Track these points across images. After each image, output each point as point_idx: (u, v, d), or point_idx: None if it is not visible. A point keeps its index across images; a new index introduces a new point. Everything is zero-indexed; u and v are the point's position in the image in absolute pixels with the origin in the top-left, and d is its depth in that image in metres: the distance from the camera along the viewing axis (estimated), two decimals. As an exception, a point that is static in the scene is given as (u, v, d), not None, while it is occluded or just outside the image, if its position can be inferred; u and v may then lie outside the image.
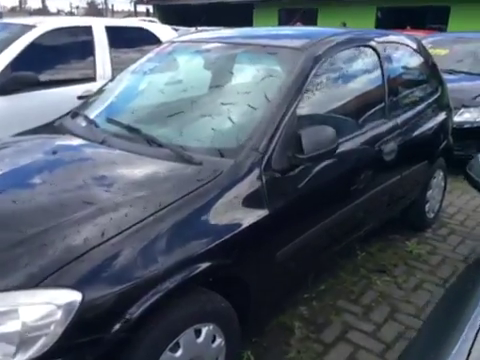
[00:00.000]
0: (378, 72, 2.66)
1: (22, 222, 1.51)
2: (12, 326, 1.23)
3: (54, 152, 1.98)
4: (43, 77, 3.56)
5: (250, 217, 1.71)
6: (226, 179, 1.71)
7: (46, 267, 1.32)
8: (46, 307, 1.25)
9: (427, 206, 3.32)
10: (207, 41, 2.61)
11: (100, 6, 39.39)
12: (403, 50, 3.10)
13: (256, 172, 1.77)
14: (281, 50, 2.26)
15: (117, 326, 1.33)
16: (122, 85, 2.63)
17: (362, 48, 2.59)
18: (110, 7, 32.74)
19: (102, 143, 2.03)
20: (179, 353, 1.52)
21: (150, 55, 2.75)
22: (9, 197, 1.68)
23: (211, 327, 1.63)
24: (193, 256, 1.51)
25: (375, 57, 2.65)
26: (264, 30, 2.92)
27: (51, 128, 2.41)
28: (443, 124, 3.29)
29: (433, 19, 13.66)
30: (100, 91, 2.68)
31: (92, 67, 3.89)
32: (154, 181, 1.71)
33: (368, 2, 14.27)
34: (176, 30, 6.06)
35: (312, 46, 2.24)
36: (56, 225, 1.46)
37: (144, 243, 1.43)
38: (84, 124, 2.31)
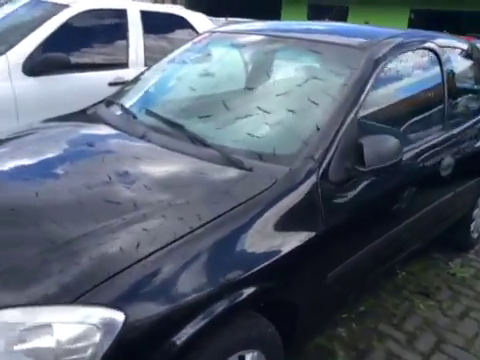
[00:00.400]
0: (438, 78, 2.43)
1: (53, 224, 1.34)
2: (46, 342, 1.07)
3: (90, 144, 1.80)
4: (74, 60, 3.39)
5: (304, 234, 1.52)
6: (280, 189, 1.51)
7: (83, 280, 1.15)
8: (84, 326, 1.08)
9: (472, 225, 3.10)
10: (252, 33, 2.39)
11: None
12: (461, 55, 2.87)
13: (312, 183, 1.57)
14: (339, 48, 2.05)
15: (162, 352, 1.16)
16: (161, 75, 2.44)
17: (423, 51, 2.37)
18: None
19: (142, 138, 1.85)
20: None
21: (190, 45, 2.56)
22: (38, 192, 1.51)
23: (255, 354, 1.45)
24: (244, 277, 1.32)
25: (436, 61, 2.43)
26: (315, 24, 2.71)
27: (85, 116, 2.24)
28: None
29: (469, 25, 13.22)
30: (136, 80, 2.50)
31: (125, 53, 3.71)
32: (200, 187, 1.52)
33: (401, 3, 13.87)
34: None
35: (373, 46, 2.03)
36: (92, 231, 1.29)
37: (188, 260, 1.25)
38: (121, 114, 2.13)
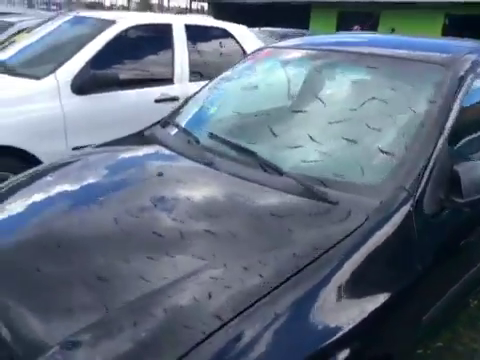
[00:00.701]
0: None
1: (121, 277, 1.22)
2: None
3: (160, 174, 1.68)
4: (121, 76, 3.33)
5: (401, 277, 1.37)
6: (372, 227, 1.36)
7: (166, 352, 1.01)
8: None
9: None
10: (314, 48, 2.26)
11: (153, 1, 39.52)
12: None
13: (407, 218, 1.42)
14: (419, 64, 1.89)
15: None
16: (219, 95, 2.34)
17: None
18: (166, 4, 32.86)
19: (209, 165, 1.73)
20: None
21: (247, 62, 2.45)
22: (100, 236, 1.41)
23: None
24: (336, 339, 1.14)
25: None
26: (377, 38, 2.56)
27: (143, 139, 2.15)
28: None
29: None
30: (193, 99, 2.40)
31: (170, 69, 3.64)
32: (279, 228, 1.37)
33: (436, 8, 13.51)
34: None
35: (456, 61, 1.87)
36: (166, 288, 1.15)
37: (269, 323, 1.08)
38: (181, 138, 2.02)
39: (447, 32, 13.34)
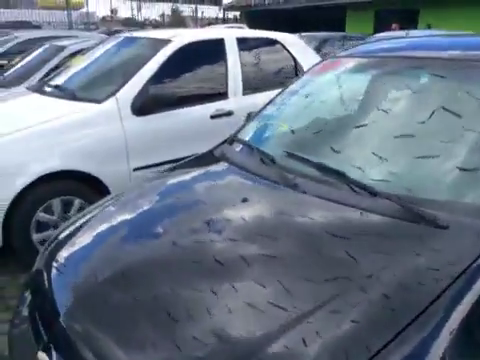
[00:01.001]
0: None
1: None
2: None
3: (244, 200, 1.62)
4: (178, 95, 3.34)
5: None
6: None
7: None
8: None
9: None
10: (393, 55, 2.12)
11: (184, 13, 39.95)
12: None
13: None
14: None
15: None
16: (289, 110, 2.26)
17: None
18: (199, 14, 33.24)
19: (293, 188, 1.65)
20: None
21: (315, 73, 2.35)
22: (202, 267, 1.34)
23: None
24: None
25: None
26: (456, 38, 2.40)
27: (215, 160, 2.09)
28: None
29: None
30: (260, 115, 2.32)
31: (224, 83, 3.60)
32: (385, 256, 1.26)
33: (477, 2, 12.95)
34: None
35: None
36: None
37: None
38: (255, 157, 1.93)
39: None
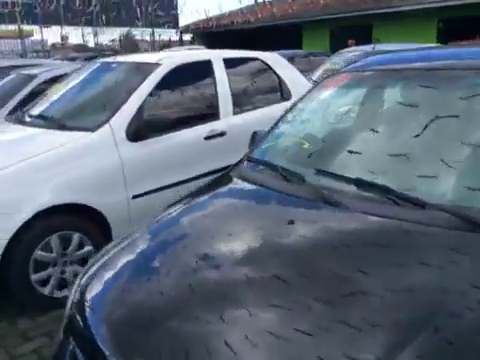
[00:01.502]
0: None
1: None
2: None
3: (290, 222, 1.55)
4: (171, 118, 3.26)
5: None
6: None
7: None
8: None
9: None
10: (401, 67, 2.09)
11: (137, 37, 39.65)
12: None
13: None
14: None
15: None
16: (306, 126, 2.23)
17: None
18: (157, 37, 33.09)
19: (336, 205, 1.60)
20: None
21: (324, 88, 2.35)
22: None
23: None
24: None
25: None
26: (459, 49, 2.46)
27: (236, 182, 2.01)
28: None
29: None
30: (272, 133, 2.27)
31: (215, 104, 3.56)
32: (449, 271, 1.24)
33: (428, 14, 13.68)
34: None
35: None
36: None
37: None
38: (280, 177, 1.88)
39: (442, 37, 13.47)
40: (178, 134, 3.27)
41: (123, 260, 1.65)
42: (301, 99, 2.41)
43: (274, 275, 1.32)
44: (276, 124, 2.35)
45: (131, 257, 1.65)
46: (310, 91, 2.42)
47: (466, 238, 1.35)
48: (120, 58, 4.11)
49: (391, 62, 2.22)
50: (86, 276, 1.63)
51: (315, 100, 2.31)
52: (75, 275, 2.82)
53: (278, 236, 1.52)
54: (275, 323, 1.18)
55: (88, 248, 2.86)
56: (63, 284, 2.81)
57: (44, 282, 2.74)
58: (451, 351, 1.01)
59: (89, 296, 1.51)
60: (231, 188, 2.01)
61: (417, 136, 1.70)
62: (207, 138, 3.42)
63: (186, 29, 23.70)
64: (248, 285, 1.32)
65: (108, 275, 1.59)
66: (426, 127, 1.70)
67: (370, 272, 1.27)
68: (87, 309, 1.46)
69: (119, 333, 1.32)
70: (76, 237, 2.80)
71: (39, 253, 2.66)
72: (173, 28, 31.17)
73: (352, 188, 1.66)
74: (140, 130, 3.03)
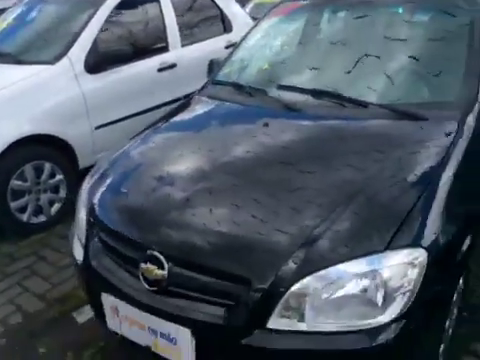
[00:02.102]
0: None
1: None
2: (374, 285, 1.27)
3: (265, 124, 1.90)
4: (125, 50, 3.38)
5: None
6: (465, 129, 1.72)
7: (388, 227, 1.34)
8: (404, 267, 1.29)
9: None
10: None
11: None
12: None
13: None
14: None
15: (449, 276, 1.40)
16: (261, 50, 2.55)
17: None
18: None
19: (295, 110, 1.97)
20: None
21: (273, 16, 2.65)
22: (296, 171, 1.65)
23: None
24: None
25: None
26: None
27: (208, 101, 2.31)
28: None
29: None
30: (231, 60, 2.56)
31: (164, 37, 3.71)
32: (397, 143, 1.70)
33: None
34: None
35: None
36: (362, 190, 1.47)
37: (447, 199, 1.46)
38: (244, 94, 2.19)
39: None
40: (133, 65, 3.42)
41: (117, 172, 1.93)
42: (254, 27, 2.71)
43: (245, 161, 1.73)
44: (234, 50, 2.64)
45: (124, 168, 1.93)
46: (261, 19, 2.72)
47: (396, 124, 1.80)
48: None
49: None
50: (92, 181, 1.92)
51: (267, 27, 2.63)
52: (50, 202, 3.03)
53: (252, 138, 1.88)
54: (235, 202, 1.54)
55: (59, 177, 3.04)
56: (38, 211, 3.00)
57: (22, 210, 2.91)
58: (360, 221, 1.40)
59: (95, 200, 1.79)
60: (204, 105, 2.31)
61: (357, 52, 2.10)
62: (160, 70, 3.61)
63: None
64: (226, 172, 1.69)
65: (104, 185, 1.87)
66: (363, 45, 2.12)
67: (316, 161, 1.69)
68: (96, 208, 1.76)
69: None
70: (48, 166, 2.96)
71: (15, 182, 2.81)
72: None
73: (309, 97, 2.04)
74: (98, 62, 3.15)
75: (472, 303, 2.10)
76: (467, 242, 1.50)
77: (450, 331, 1.72)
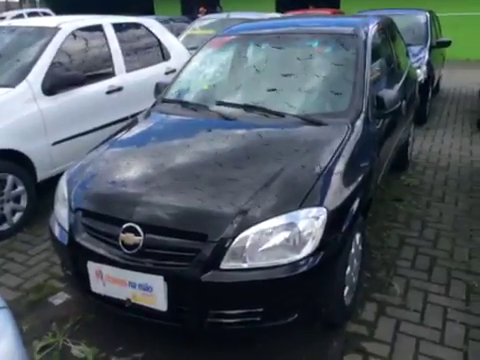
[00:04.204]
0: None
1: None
2: (292, 233, 1.86)
3: (209, 130, 2.49)
4: (77, 75, 3.79)
5: (370, 156, 2.47)
6: (352, 132, 2.40)
7: (300, 195, 1.94)
8: (311, 220, 1.88)
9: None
10: (258, 32, 3.21)
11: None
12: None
13: (364, 124, 2.49)
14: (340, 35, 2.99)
15: (343, 228, 2.01)
16: (201, 74, 3.14)
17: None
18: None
19: (233, 120, 2.56)
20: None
21: (208, 47, 3.26)
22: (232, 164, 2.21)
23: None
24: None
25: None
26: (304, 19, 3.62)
27: (158, 116, 2.83)
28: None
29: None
30: (175, 83, 3.10)
31: (110, 64, 4.19)
32: (306, 141, 2.33)
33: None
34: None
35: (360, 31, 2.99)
36: (281, 171, 2.07)
37: (340, 176, 2.10)
38: (189, 109, 2.77)
39: (280, 6, 15.26)
40: (85, 88, 3.85)
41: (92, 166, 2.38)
42: (193, 56, 3.30)
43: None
44: (178, 74, 3.20)
45: (98, 164, 2.39)
46: (198, 50, 3.32)
47: (305, 129, 2.45)
48: (15, 23, 4.38)
49: (253, 29, 3.28)
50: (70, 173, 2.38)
51: (203, 56, 3.24)
52: (12, 211, 3.34)
53: (201, 140, 2.45)
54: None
55: (20, 188, 3.37)
56: (2, 219, 3.30)
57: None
58: (280, 193, 1.99)
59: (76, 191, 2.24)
60: (157, 118, 2.84)
61: (276, 76, 2.77)
62: (108, 92, 4.06)
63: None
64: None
65: (82, 179, 2.31)
66: (280, 70, 2.80)
67: (248, 154, 2.27)
68: (77, 197, 2.20)
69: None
70: (10, 178, 3.28)
71: (-19, 193, 3.11)
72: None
73: (241, 110, 2.65)
74: (53, 85, 3.55)
75: (373, 267, 2.80)
76: (356, 205, 2.13)
77: (354, 279, 2.34)
